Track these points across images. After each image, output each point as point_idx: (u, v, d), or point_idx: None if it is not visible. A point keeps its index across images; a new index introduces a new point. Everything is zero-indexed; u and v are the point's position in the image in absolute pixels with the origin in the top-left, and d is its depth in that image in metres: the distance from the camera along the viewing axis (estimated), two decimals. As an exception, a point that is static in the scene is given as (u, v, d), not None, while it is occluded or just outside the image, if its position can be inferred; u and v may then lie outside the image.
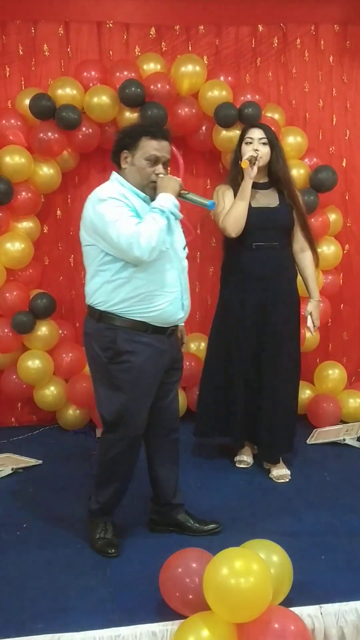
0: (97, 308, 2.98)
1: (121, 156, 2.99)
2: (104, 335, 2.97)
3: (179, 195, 2.95)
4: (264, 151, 3.73)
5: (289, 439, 3.99)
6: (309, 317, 3.93)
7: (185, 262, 3.13)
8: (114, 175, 3.04)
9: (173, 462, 3.28)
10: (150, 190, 2.96)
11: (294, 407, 4.02)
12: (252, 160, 3.66)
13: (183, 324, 3.24)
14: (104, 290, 2.95)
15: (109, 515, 3.21)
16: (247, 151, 3.71)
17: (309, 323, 3.93)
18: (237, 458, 4.10)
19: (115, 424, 3.03)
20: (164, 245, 2.87)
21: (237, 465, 4.06)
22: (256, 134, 3.74)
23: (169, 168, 3.06)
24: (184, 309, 3.05)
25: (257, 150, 3.70)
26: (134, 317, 2.94)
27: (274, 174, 3.79)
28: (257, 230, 3.73)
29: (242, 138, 3.80)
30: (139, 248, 2.79)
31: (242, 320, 3.81)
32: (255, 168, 3.67)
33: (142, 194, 2.97)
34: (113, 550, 3.09)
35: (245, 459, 4.09)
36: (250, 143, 3.73)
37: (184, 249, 3.13)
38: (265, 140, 3.73)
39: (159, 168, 2.95)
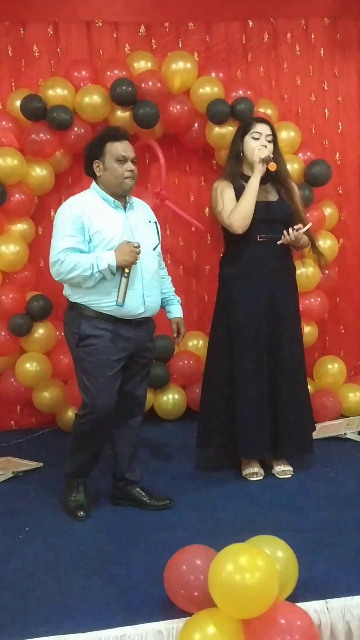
0: (69, 299, 3.34)
1: (94, 167, 3.29)
2: (74, 322, 3.30)
3: (121, 272, 3.16)
4: (270, 148, 3.68)
5: (309, 435, 3.97)
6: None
7: (155, 263, 3.38)
8: (92, 184, 3.35)
9: (128, 444, 3.51)
10: (126, 187, 3.27)
11: (309, 402, 4.01)
12: (267, 160, 3.61)
13: (180, 316, 3.62)
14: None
15: (82, 477, 3.52)
16: (256, 146, 3.64)
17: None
18: (249, 471, 3.86)
19: (85, 404, 3.36)
20: (80, 285, 3.19)
21: (249, 478, 3.82)
22: (265, 129, 3.69)
23: (135, 163, 3.32)
24: (145, 305, 3.29)
25: (265, 146, 3.64)
26: (95, 308, 3.24)
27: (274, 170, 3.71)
28: (260, 223, 3.67)
29: (246, 131, 3.71)
30: (55, 270, 3.21)
31: (248, 313, 3.73)
32: (266, 166, 3.63)
33: (112, 201, 3.27)
34: (82, 513, 3.40)
35: (256, 470, 3.86)
36: (258, 139, 3.66)
37: (154, 249, 3.39)
38: (271, 138, 3.69)
39: (130, 165, 3.26)
